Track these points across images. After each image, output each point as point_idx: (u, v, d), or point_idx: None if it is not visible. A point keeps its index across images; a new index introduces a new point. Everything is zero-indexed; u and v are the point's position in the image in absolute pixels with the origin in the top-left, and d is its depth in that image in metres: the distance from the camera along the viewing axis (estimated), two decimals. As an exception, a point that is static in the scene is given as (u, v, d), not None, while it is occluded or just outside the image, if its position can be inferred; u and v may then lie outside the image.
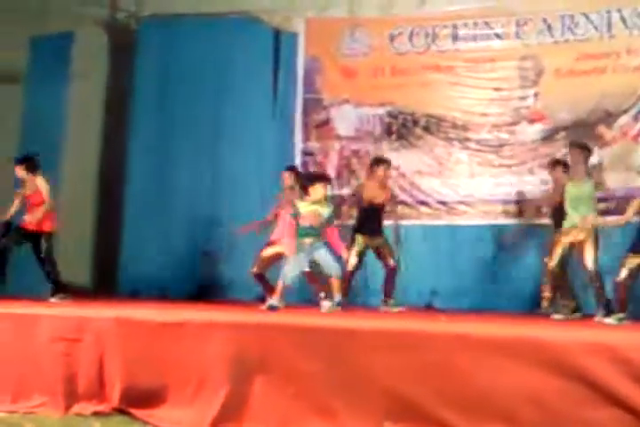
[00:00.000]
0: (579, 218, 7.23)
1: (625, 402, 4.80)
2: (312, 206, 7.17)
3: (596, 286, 7.23)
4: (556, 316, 7.45)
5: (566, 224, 7.36)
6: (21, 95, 9.86)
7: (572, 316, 7.44)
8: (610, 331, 5.98)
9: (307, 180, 7.45)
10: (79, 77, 10.06)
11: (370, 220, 8.21)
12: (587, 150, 7.63)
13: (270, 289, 7.82)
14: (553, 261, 7.44)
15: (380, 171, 8.28)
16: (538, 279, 8.31)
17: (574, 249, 7.38)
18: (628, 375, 4.81)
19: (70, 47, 9.85)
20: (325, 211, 7.23)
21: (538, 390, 4.98)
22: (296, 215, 7.17)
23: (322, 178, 7.50)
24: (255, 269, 8.23)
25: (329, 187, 7.51)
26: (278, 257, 7.90)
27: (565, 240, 7.37)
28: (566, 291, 7.61)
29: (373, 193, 8.25)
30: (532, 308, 8.28)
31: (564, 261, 7.44)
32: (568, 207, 7.37)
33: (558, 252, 7.40)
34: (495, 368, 5.11)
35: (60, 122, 9.71)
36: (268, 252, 8.14)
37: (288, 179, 8.36)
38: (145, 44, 10.55)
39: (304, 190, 7.30)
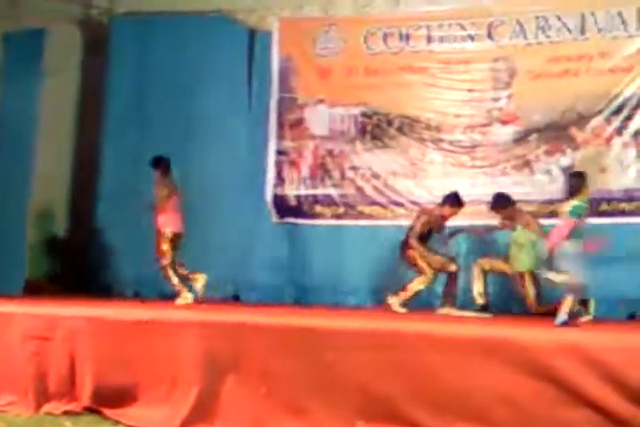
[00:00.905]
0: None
1: (595, 403, 4.85)
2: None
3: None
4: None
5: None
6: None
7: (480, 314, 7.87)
8: (581, 332, 6.02)
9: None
10: (52, 74, 9.98)
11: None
12: (506, 205, 8.09)
13: None
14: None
15: (446, 209, 8.34)
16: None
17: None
18: (598, 376, 4.86)
19: (43, 43, 9.78)
20: None
21: (510, 390, 5.03)
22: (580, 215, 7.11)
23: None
24: None
25: None
26: None
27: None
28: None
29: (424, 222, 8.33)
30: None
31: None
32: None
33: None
34: (468, 368, 5.15)
35: (34, 118, 9.65)
36: None
37: None
38: (119, 42, 10.49)
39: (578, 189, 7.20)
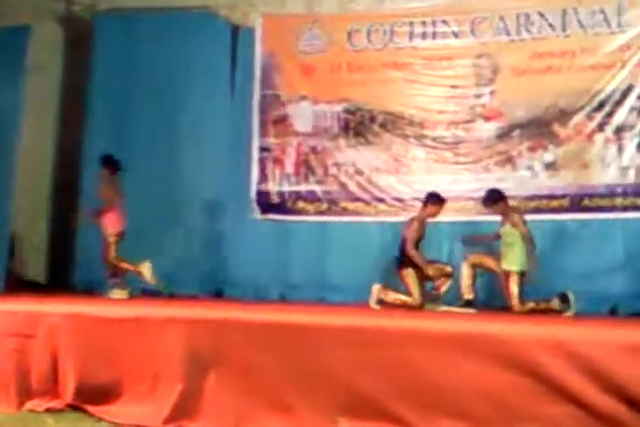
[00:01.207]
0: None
1: (577, 398, 4.88)
2: None
3: None
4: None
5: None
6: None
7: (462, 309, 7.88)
8: (562, 326, 6.04)
9: None
10: (35, 71, 9.95)
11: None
12: (498, 201, 8.02)
13: None
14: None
15: (429, 208, 8.33)
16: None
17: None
18: (579, 370, 4.89)
19: (26, 40, 9.76)
20: None
21: (493, 386, 5.06)
22: None
23: None
24: None
25: None
26: None
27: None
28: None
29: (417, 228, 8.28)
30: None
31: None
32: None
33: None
34: (449, 364, 5.17)
35: (16, 115, 9.63)
36: None
37: None
38: (101, 38, 10.42)
39: None
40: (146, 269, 8.63)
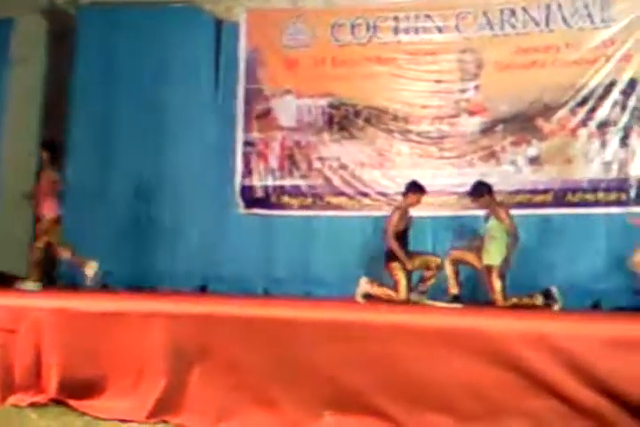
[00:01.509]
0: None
1: (561, 392, 4.88)
2: None
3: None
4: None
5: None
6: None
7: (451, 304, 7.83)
8: (544, 320, 6.05)
9: None
10: (19, 63, 9.93)
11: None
12: (483, 194, 8.02)
13: None
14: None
15: (409, 197, 8.31)
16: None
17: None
18: (563, 365, 4.90)
19: (10, 33, 9.73)
20: None
21: (478, 380, 5.05)
22: None
23: None
24: None
25: None
26: None
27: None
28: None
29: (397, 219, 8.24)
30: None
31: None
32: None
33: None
34: (434, 358, 5.16)
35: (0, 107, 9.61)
36: None
37: None
38: (85, 31, 10.40)
39: None
40: (89, 269, 8.59)
